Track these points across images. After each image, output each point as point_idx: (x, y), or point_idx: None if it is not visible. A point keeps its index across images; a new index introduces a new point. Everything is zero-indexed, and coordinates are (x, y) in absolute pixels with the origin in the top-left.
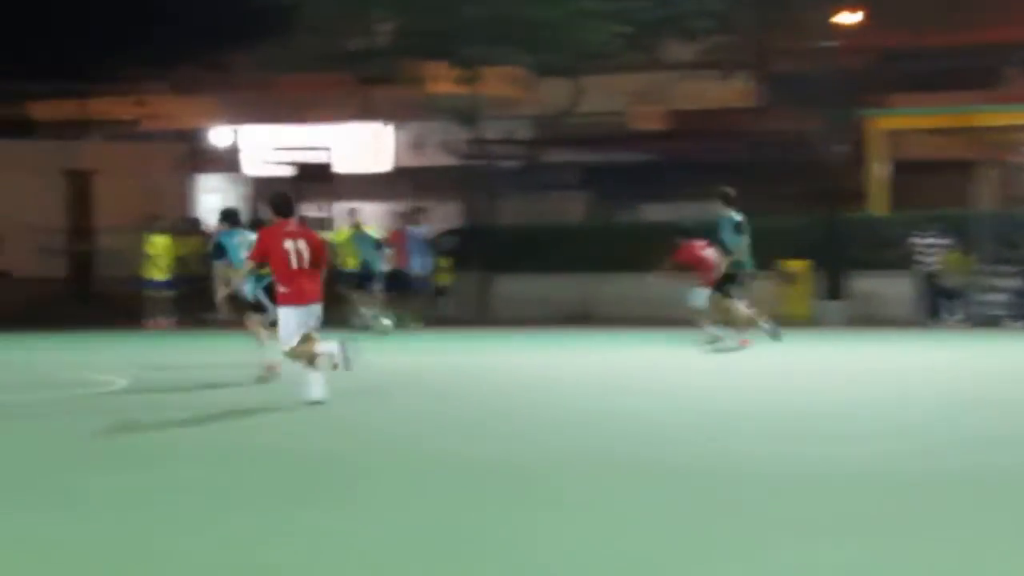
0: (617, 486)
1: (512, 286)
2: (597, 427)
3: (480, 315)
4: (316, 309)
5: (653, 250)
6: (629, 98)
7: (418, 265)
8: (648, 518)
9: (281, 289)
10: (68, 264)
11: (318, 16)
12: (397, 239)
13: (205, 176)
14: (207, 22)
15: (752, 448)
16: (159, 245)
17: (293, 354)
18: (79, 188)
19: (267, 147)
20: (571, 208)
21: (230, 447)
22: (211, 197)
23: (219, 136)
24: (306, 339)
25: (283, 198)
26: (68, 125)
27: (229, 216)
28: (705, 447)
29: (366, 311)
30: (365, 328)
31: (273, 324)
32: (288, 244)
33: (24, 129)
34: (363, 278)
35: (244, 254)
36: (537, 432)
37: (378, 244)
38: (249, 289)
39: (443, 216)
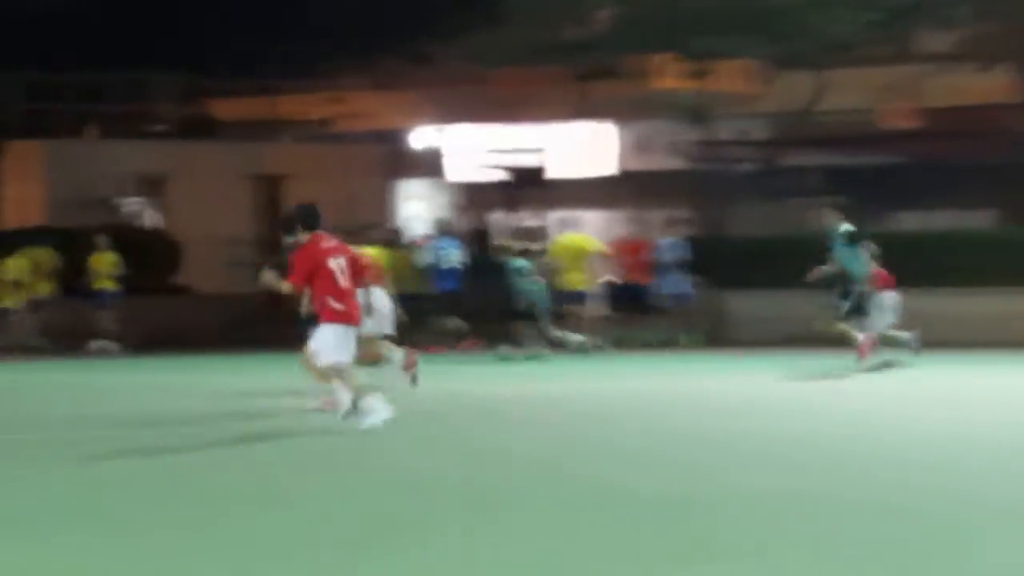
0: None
1: (746, 303)
2: (799, 459)
3: (713, 335)
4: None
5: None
6: (878, 94)
7: (670, 282)
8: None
9: (335, 306)
10: (257, 279)
11: (532, 4)
12: (631, 251)
13: (406, 181)
14: (410, 11)
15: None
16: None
17: (320, 372)
18: (267, 194)
19: (475, 149)
20: (813, 216)
21: (405, 475)
22: (412, 204)
23: (422, 137)
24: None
25: (312, 210)
26: (255, 125)
27: (440, 226)
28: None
29: (562, 332)
30: (559, 347)
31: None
32: (333, 262)
33: (206, 130)
34: (573, 297)
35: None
36: (733, 464)
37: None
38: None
39: (670, 225)
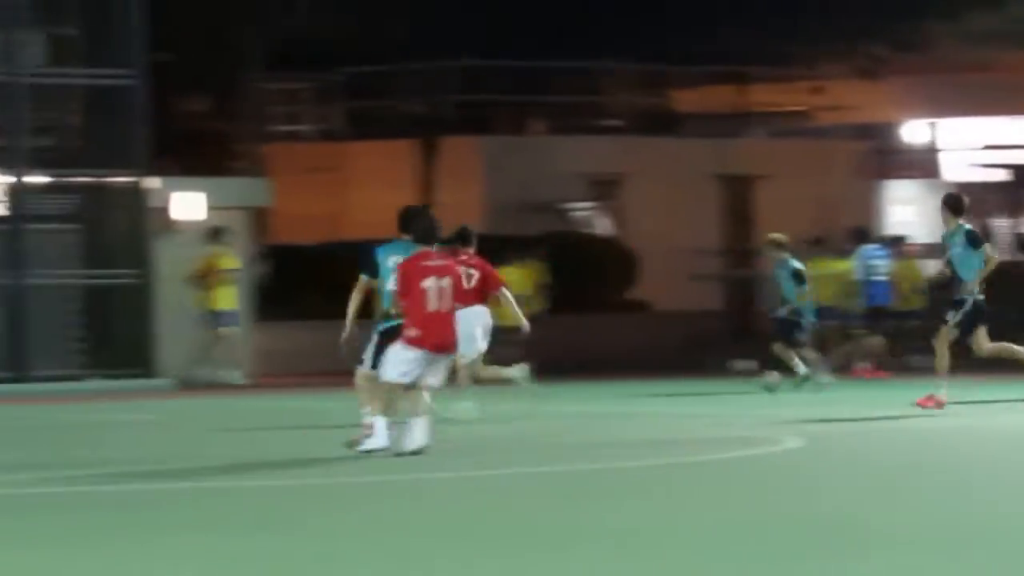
0: None
1: None
2: None
3: None
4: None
5: None
6: None
7: None
8: None
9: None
10: (725, 294)
11: None
12: None
13: (893, 182)
14: None
15: None
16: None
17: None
18: (735, 197)
19: (974, 145)
20: None
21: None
22: (902, 209)
23: (912, 132)
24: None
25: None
26: (721, 119)
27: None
28: None
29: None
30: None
31: None
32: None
33: (666, 124)
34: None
35: None
36: None
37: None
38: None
39: None
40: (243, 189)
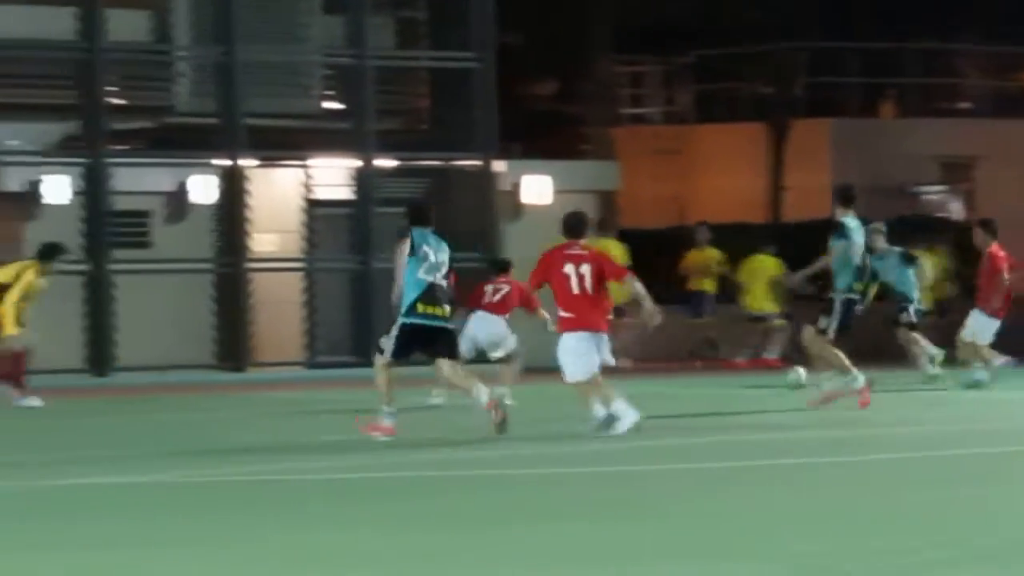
0: None
1: None
2: None
3: None
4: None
5: None
6: None
7: None
8: None
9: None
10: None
11: None
12: None
13: None
14: None
15: None
16: None
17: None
18: None
19: None
20: None
21: None
22: None
23: None
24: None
25: (575, 217)
26: None
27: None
28: None
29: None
30: None
31: None
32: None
33: (1020, 106)
34: None
35: None
36: None
37: None
38: None
39: None
40: (592, 172)
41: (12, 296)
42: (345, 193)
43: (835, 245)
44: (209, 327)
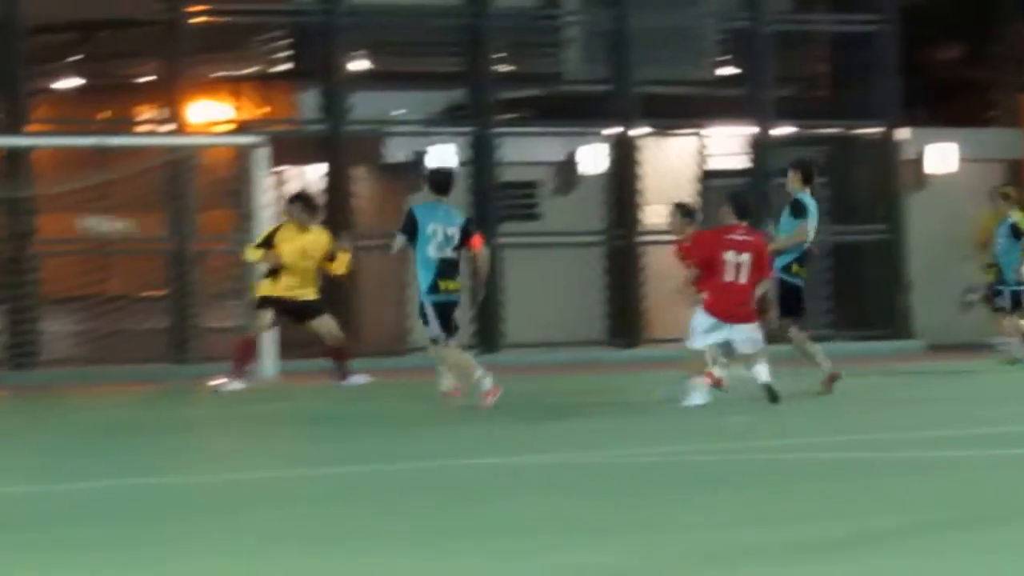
0: None
1: None
2: None
3: None
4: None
5: None
6: None
7: None
8: None
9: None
10: None
11: None
12: None
13: None
14: None
15: None
16: None
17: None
18: None
19: None
20: None
21: None
22: None
23: None
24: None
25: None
26: None
27: None
28: None
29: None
30: None
31: None
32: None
33: None
34: None
35: None
36: None
37: None
38: None
39: None
40: (999, 140)
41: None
42: (740, 163)
43: (795, 223)
44: (599, 303)
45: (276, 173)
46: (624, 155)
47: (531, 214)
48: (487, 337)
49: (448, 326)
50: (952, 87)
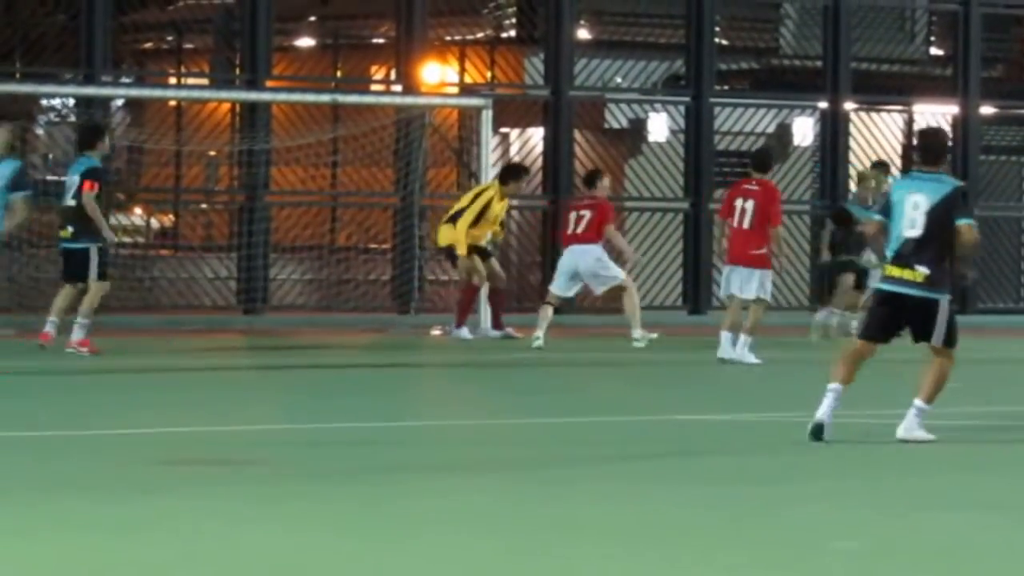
0: None
1: None
2: None
3: None
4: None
5: None
6: None
7: None
8: None
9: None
10: None
11: None
12: None
13: None
14: None
15: None
16: None
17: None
18: None
19: None
20: None
21: None
22: None
23: None
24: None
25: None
26: None
27: None
28: None
29: None
30: None
31: None
32: (737, 201)
33: None
34: None
35: None
36: None
37: None
38: None
39: None
40: None
41: (466, 218)
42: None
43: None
44: (805, 270)
45: (501, 135)
46: (834, 128)
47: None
48: (695, 299)
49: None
50: None
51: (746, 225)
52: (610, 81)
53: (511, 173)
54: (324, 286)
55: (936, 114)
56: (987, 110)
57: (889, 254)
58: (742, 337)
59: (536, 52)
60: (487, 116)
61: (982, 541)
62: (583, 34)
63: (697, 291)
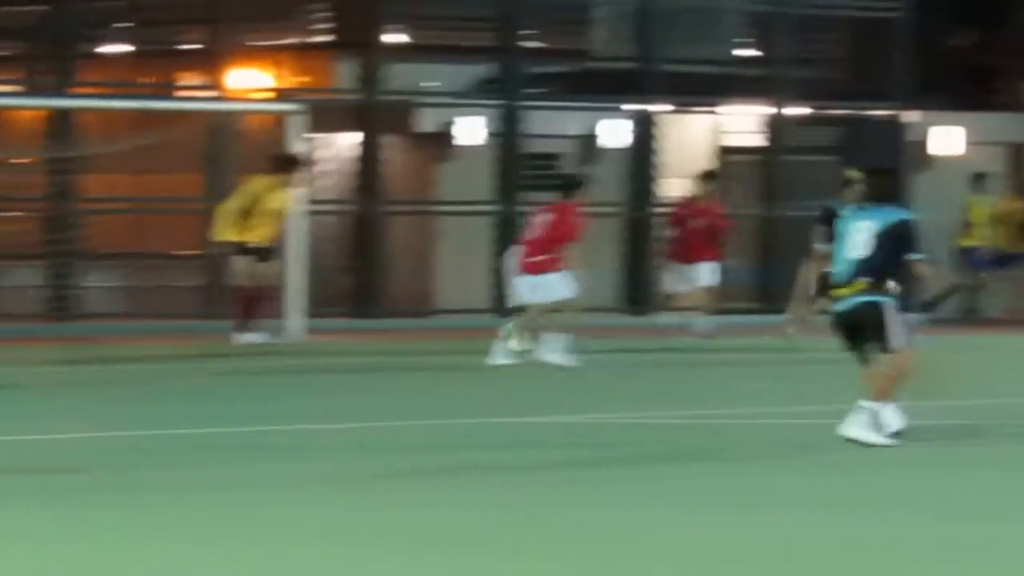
0: None
1: None
2: None
3: None
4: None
5: None
6: None
7: None
8: None
9: None
10: None
11: None
12: None
13: None
14: None
15: None
16: None
17: None
18: None
19: None
20: None
21: None
22: None
23: None
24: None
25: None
26: None
27: None
28: None
29: None
30: None
31: None
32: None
33: None
34: None
35: None
36: None
37: None
38: None
39: None
40: (1005, 125)
41: (227, 214)
42: (755, 141)
43: None
44: (615, 271)
45: (312, 140)
46: (645, 130)
47: (554, 185)
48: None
49: None
50: (967, 72)
51: (534, 237)
52: (422, 85)
53: (282, 163)
54: (134, 293)
55: (747, 115)
56: (797, 111)
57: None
58: (550, 338)
59: (348, 57)
60: (299, 122)
61: (810, 541)
62: (395, 38)
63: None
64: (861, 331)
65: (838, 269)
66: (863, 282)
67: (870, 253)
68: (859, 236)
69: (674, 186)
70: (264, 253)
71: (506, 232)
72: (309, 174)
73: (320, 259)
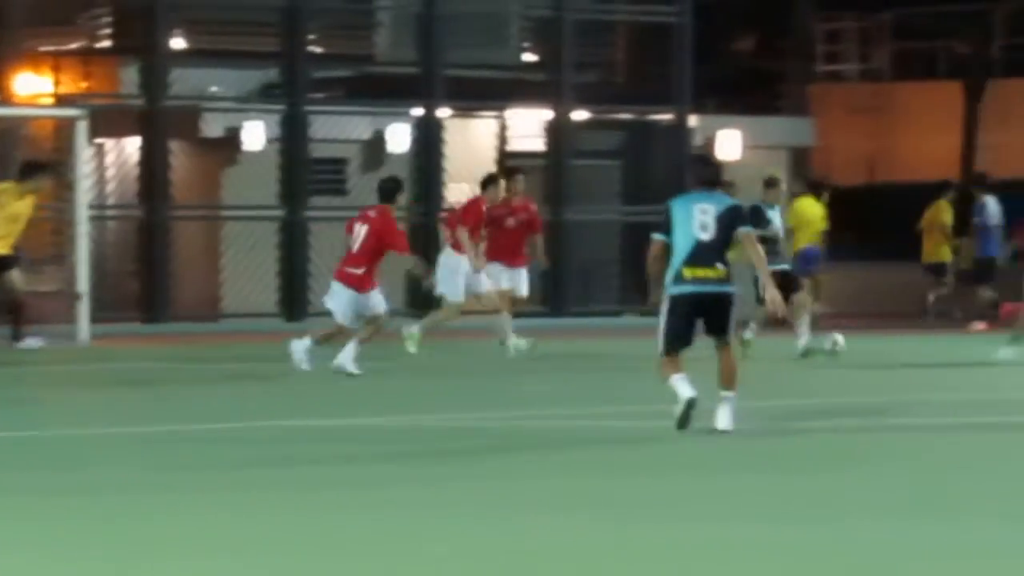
0: None
1: None
2: None
3: None
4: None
5: None
6: None
7: None
8: None
9: None
10: None
11: None
12: None
13: None
14: None
15: None
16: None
17: None
18: None
19: None
20: None
21: None
22: None
23: None
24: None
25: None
26: None
27: None
28: None
29: None
30: None
31: None
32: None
33: None
34: None
35: None
36: None
37: None
38: None
39: None
40: (785, 128)
41: None
42: (539, 145)
43: None
44: (402, 275)
45: (97, 145)
46: (429, 135)
47: (339, 189)
48: (291, 306)
49: None
50: (746, 77)
51: (355, 249)
52: (206, 90)
53: (27, 169)
54: None
55: (531, 119)
56: (581, 115)
57: (682, 258)
58: (349, 347)
59: (131, 62)
60: (82, 127)
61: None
62: (178, 43)
63: (292, 298)
64: (707, 315)
65: (687, 250)
66: (722, 270)
67: (714, 236)
68: (703, 218)
69: (459, 190)
70: (7, 262)
71: (292, 236)
72: (57, 180)
73: (106, 264)
